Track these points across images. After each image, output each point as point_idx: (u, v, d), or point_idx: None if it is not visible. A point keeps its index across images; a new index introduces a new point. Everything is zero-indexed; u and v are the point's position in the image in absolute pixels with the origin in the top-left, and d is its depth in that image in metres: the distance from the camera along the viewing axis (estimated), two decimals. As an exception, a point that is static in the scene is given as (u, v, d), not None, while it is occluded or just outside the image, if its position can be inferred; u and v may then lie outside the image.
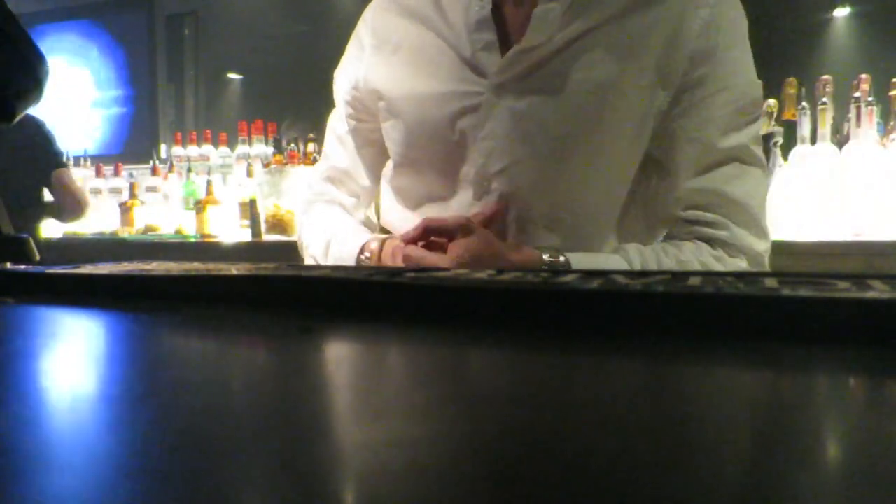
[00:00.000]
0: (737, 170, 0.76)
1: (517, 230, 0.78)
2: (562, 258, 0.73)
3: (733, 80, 0.76)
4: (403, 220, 0.83)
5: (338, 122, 0.93)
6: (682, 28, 0.75)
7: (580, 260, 0.74)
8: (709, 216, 0.76)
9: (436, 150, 0.81)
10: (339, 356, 0.30)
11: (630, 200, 0.83)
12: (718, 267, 0.74)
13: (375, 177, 0.93)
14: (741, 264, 0.75)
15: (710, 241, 0.76)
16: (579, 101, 0.75)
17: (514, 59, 0.75)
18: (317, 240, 0.89)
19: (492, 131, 0.77)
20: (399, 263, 0.73)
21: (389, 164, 0.89)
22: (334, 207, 0.93)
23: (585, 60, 0.75)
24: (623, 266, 0.74)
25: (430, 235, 0.73)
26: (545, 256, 0.73)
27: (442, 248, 0.72)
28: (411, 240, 0.73)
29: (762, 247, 0.77)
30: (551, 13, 0.74)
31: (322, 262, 0.88)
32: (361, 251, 0.82)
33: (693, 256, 0.75)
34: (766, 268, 0.78)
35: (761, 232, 0.77)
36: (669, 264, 0.74)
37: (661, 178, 0.80)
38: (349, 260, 0.83)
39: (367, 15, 0.88)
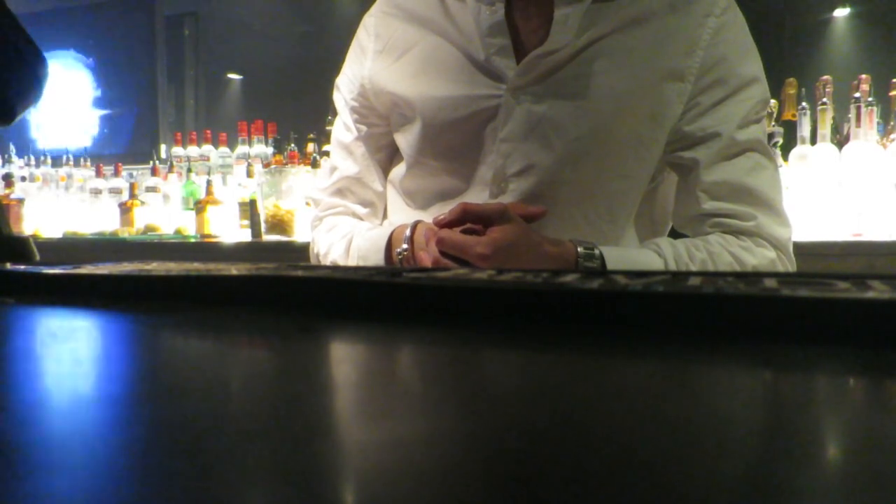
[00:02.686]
0: (755, 161, 0.78)
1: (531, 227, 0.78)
2: (596, 251, 0.73)
3: (744, 82, 0.78)
4: (411, 219, 0.82)
5: (343, 133, 0.92)
6: (693, 37, 0.78)
7: (613, 254, 0.74)
8: (735, 208, 0.77)
9: (452, 152, 0.81)
10: (339, 356, 0.30)
11: (641, 202, 0.84)
12: (748, 257, 0.75)
13: (386, 182, 0.93)
14: (769, 253, 0.77)
15: (736, 233, 0.77)
16: (596, 105, 0.76)
17: (532, 63, 0.76)
18: (336, 243, 0.87)
19: (510, 133, 0.78)
20: (433, 247, 0.71)
21: (398, 167, 0.89)
22: (347, 217, 0.92)
23: (602, 65, 0.77)
24: (655, 259, 0.75)
25: (465, 221, 0.71)
26: (579, 249, 0.73)
27: (477, 235, 0.71)
28: (446, 224, 0.71)
29: (786, 234, 0.79)
30: (571, 18, 0.75)
31: (344, 263, 0.86)
32: (392, 239, 0.81)
33: (721, 248, 0.75)
34: (791, 253, 0.80)
35: (783, 220, 0.79)
36: (700, 256, 0.75)
37: (681, 177, 0.82)
38: (376, 250, 0.82)
39: (368, 21, 0.88)
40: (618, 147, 0.78)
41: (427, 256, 0.72)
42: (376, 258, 0.81)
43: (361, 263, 0.83)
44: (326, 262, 0.89)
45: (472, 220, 0.71)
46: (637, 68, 0.77)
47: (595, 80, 0.76)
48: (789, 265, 0.79)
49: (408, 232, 0.77)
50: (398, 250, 0.78)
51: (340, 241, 0.87)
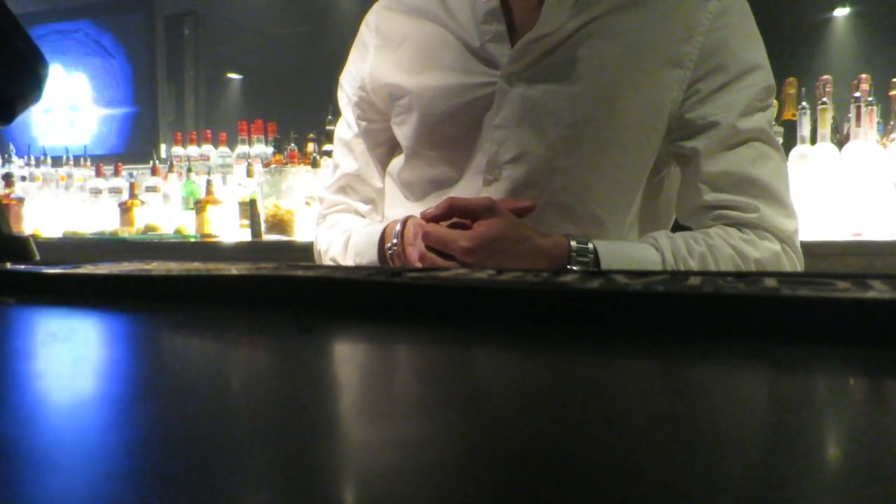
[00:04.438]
0: (759, 151, 0.76)
1: (528, 218, 0.76)
2: (590, 245, 0.71)
3: (746, 68, 0.76)
4: (408, 212, 0.83)
5: (344, 130, 0.93)
6: (692, 21, 0.76)
7: (608, 248, 0.72)
8: (737, 199, 0.75)
9: (449, 141, 0.81)
10: (339, 356, 0.30)
11: (645, 196, 0.83)
12: (750, 250, 0.73)
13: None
14: (772, 246, 0.74)
15: (739, 226, 0.75)
16: (589, 90, 0.75)
17: (525, 48, 0.76)
18: (336, 239, 0.88)
19: (504, 120, 0.77)
20: (419, 242, 0.71)
21: (396, 160, 0.89)
22: (349, 214, 0.93)
23: (595, 48, 0.75)
24: (652, 253, 0.73)
25: (452, 215, 0.70)
26: (572, 243, 0.71)
27: (465, 229, 0.70)
28: (433, 218, 0.71)
29: (792, 226, 0.77)
30: (563, 1, 0.74)
31: (342, 260, 0.87)
32: (384, 234, 0.81)
33: (722, 241, 0.73)
34: (798, 246, 0.77)
35: (789, 212, 0.77)
36: (700, 250, 0.73)
37: (682, 168, 0.80)
38: (369, 245, 0.82)
39: (370, 18, 0.89)
40: (614, 134, 0.76)
41: (414, 251, 0.72)
42: (370, 254, 0.82)
43: (357, 259, 0.84)
44: (327, 258, 0.90)
45: (458, 214, 0.70)
46: (631, 52, 0.75)
47: (588, 63, 0.75)
48: (795, 258, 0.77)
49: (398, 227, 0.77)
50: (388, 245, 0.78)
51: (339, 238, 0.87)
